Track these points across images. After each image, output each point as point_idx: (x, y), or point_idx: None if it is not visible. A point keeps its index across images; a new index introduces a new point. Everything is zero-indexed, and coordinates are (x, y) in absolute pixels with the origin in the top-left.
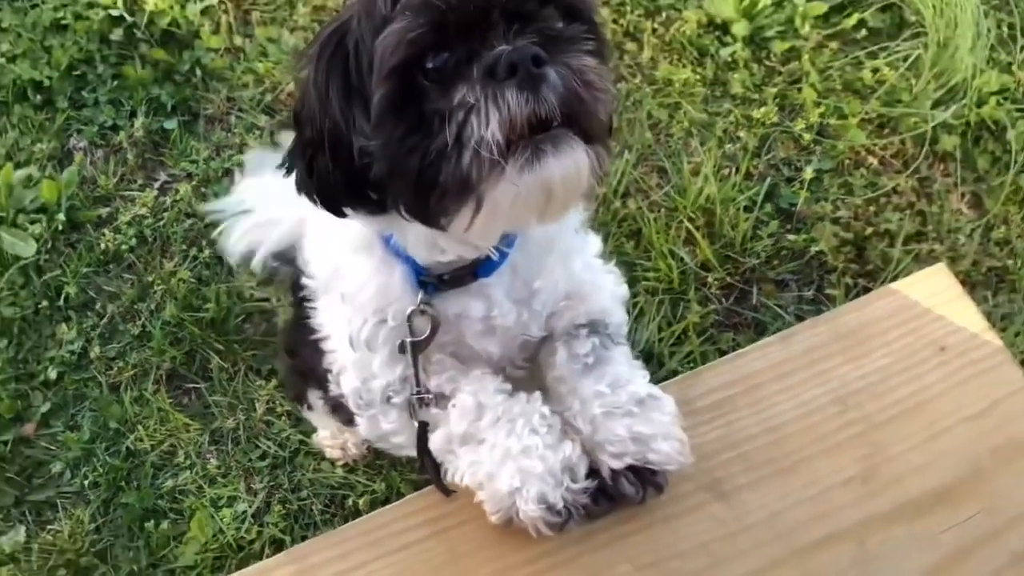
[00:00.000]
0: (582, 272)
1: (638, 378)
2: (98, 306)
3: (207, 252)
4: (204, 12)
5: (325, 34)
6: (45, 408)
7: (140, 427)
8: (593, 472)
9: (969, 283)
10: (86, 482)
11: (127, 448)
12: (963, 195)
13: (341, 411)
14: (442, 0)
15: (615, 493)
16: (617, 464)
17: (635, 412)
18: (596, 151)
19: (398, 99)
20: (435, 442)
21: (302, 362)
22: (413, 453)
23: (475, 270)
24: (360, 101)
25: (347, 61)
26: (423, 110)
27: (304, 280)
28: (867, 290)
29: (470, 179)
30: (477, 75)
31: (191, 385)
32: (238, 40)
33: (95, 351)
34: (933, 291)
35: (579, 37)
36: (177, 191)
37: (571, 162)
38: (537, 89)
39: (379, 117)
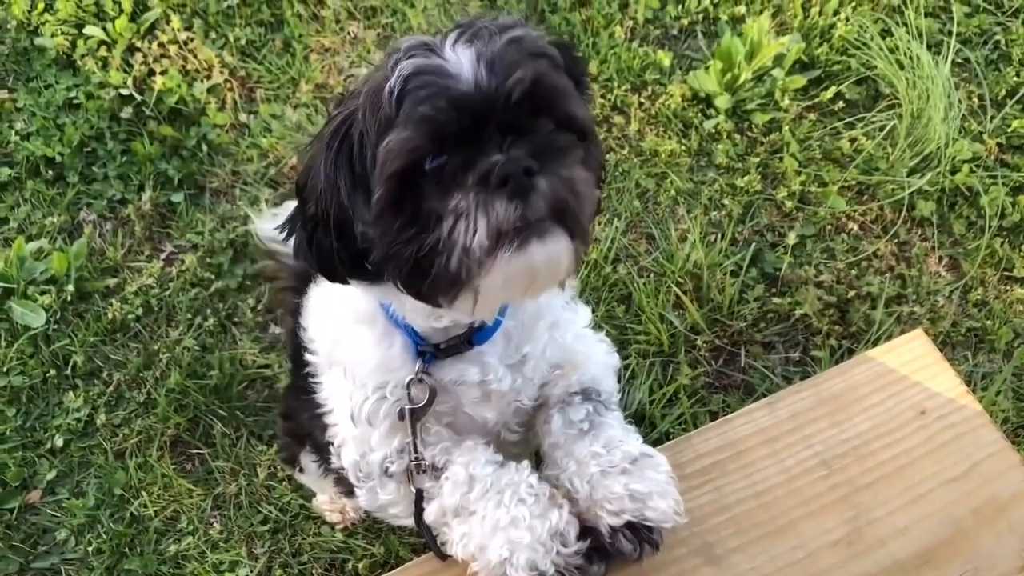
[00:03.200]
0: (574, 342)
1: (631, 438)
2: (105, 374)
3: (211, 320)
4: (210, 90)
5: (336, 122)
6: (51, 475)
7: (144, 493)
8: (587, 531)
9: (949, 344)
10: (90, 549)
11: (131, 514)
12: (941, 258)
13: (342, 482)
14: (440, 113)
15: (613, 551)
16: (615, 521)
17: (630, 470)
18: (576, 245)
19: (398, 196)
20: (430, 514)
21: (298, 426)
22: (411, 523)
23: (470, 338)
24: (363, 190)
25: (352, 151)
26: (421, 207)
27: (308, 356)
28: (851, 352)
29: (459, 276)
30: (471, 182)
31: (194, 451)
32: (243, 116)
33: (101, 418)
34: (912, 356)
35: (570, 147)
36: (183, 262)
37: (554, 249)
38: (527, 197)
39: (379, 211)
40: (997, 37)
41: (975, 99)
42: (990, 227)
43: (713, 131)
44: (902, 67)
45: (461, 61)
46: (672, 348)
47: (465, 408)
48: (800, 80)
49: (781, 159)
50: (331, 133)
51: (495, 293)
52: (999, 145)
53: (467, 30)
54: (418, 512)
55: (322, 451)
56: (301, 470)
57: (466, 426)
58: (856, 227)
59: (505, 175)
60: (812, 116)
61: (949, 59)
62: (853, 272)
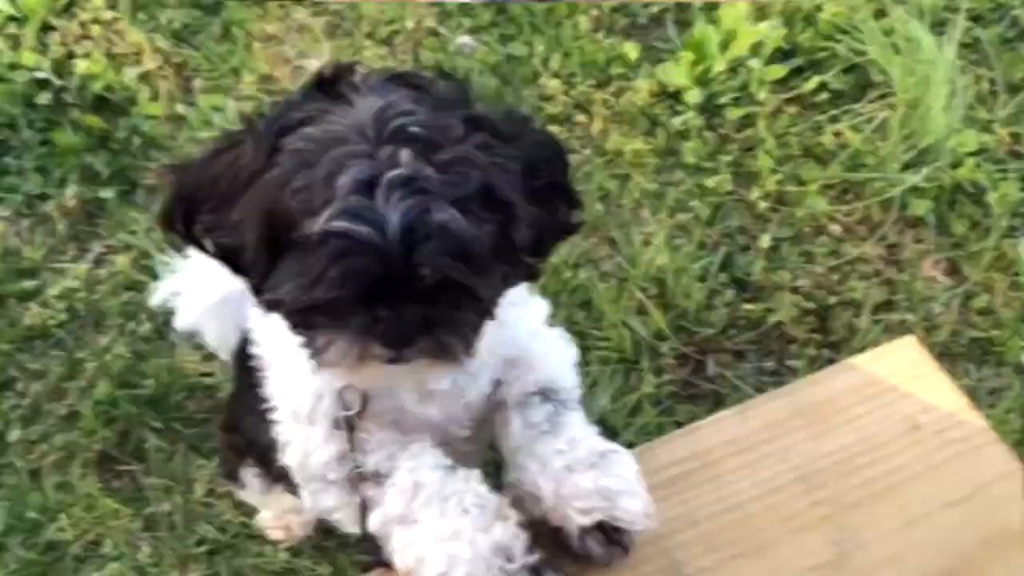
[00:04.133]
0: (528, 340)
1: (593, 436)
2: (19, 386)
3: (147, 326)
4: (142, 77)
5: (263, 209)
6: None
7: (63, 516)
8: (553, 537)
9: (949, 356)
10: None
11: (47, 541)
12: (937, 262)
13: (287, 481)
14: (354, 289)
15: (582, 552)
16: (585, 521)
17: (598, 464)
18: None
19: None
20: (373, 523)
21: (240, 437)
22: (357, 530)
23: None
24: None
25: (272, 236)
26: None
27: (252, 349)
28: (832, 361)
29: (336, 364)
30: (354, 324)
31: (124, 467)
32: (180, 108)
33: (14, 434)
34: (902, 365)
35: (458, 317)
36: (114, 263)
37: (423, 370)
38: (401, 350)
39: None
40: (1015, 12)
41: (985, 83)
42: (998, 227)
43: (682, 128)
44: (898, 51)
45: (386, 230)
46: (635, 355)
47: (408, 407)
48: (779, 70)
49: (755, 157)
50: (259, 217)
51: (369, 383)
52: (1012, 135)
53: (403, 172)
54: (362, 520)
55: (266, 458)
56: (243, 485)
57: (411, 423)
58: (839, 229)
59: (383, 333)
60: (792, 110)
61: (956, 39)
62: (835, 277)
